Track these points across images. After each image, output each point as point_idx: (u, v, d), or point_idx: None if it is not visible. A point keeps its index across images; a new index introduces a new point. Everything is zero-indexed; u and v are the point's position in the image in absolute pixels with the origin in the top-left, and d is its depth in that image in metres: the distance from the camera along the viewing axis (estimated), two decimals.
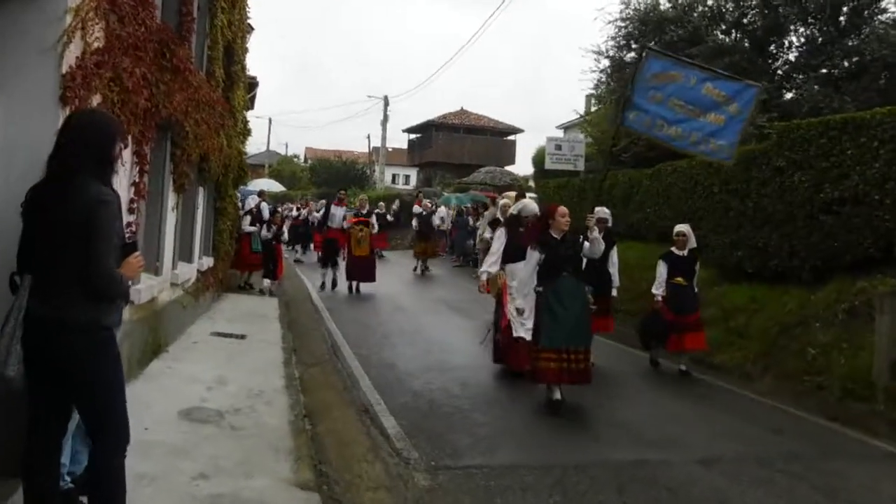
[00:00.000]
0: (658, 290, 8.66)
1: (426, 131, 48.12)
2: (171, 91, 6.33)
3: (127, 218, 5.40)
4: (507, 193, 22.77)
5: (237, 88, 11.20)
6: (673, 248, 8.88)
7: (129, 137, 5.26)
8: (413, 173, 55.36)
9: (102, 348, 3.06)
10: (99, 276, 2.96)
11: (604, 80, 16.69)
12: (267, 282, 13.32)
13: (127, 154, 5.31)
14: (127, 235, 3.48)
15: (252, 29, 12.66)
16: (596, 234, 7.01)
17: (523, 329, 7.19)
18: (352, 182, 47.46)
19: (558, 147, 18.29)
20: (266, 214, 18.58)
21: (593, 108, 23.18)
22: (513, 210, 8.15)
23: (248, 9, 12.02)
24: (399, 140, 53.49)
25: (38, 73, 3.89)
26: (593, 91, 21.28)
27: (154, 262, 7.07)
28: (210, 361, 7.52)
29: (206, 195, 10.02)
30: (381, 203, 24.01)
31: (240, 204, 13.72)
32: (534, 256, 6.98)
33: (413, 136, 50.87)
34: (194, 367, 7.13)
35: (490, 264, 7.70)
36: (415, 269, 18.96)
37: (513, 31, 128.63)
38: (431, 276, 18.42)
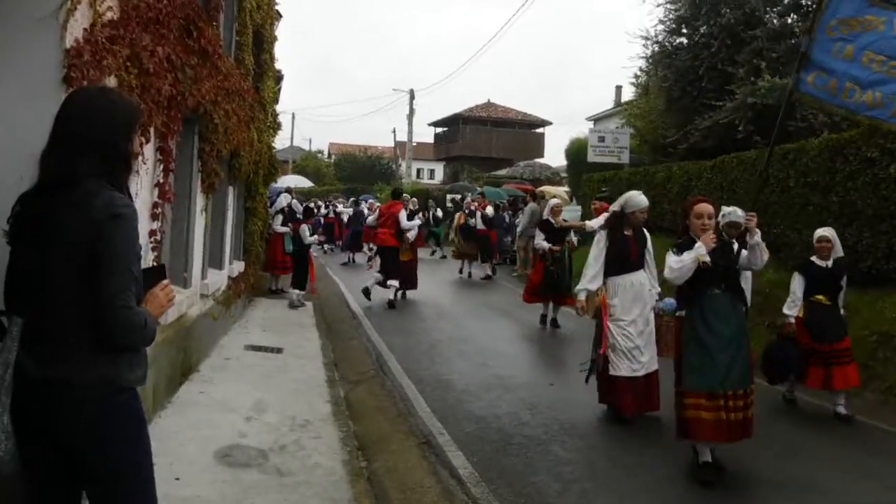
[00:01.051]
0: (792, 310, 6.86)
1: (453, 125, 47.24)
2: (198, 77, 5.50)
3: (150, 226, 4.57)
4: (545, 189, 21.91)
5: (267, 79, 10.39)
6: (813, 258, 7.04)
7: (151, 129, 4.42)
8: (439, 168, 54.48)
9: (124, 419, 2.23)
10: (115, 317, 2.12)
11: (650, 67, 15.63)
12: (296, 293, 11.73)
13: (149, 150, 4.48)
14: (151, 255, 2.61)
15: (280, 16, 11.83)
16: (758, 238, 5.06)
17: (625, 365, 6.04)
18: (377, 177, 46.75)
19: (601, 139, 17.31)
20: (299, 211, 18.02)
21: (632, 98, 22.09)
22: (615, 206, 6.56)
23: None
24: (425, 135, 52.61)
25: (35, 48, 3.05)
26: (635, 80, 20.28)
27: (182, 272, 6.26)
28: (246, 382, 6.71)
29: (236, 195, 9.21)
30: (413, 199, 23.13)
31: (268, 202, 12.95)
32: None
33: (439, 129, 50.02)
34: (229, 391, 6.32)
35: (589, 279, 6.30)
36: (460, 271, 17.07)
37: (538, 25, 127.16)
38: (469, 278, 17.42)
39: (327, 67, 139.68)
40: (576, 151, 24.66)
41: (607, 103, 42.40)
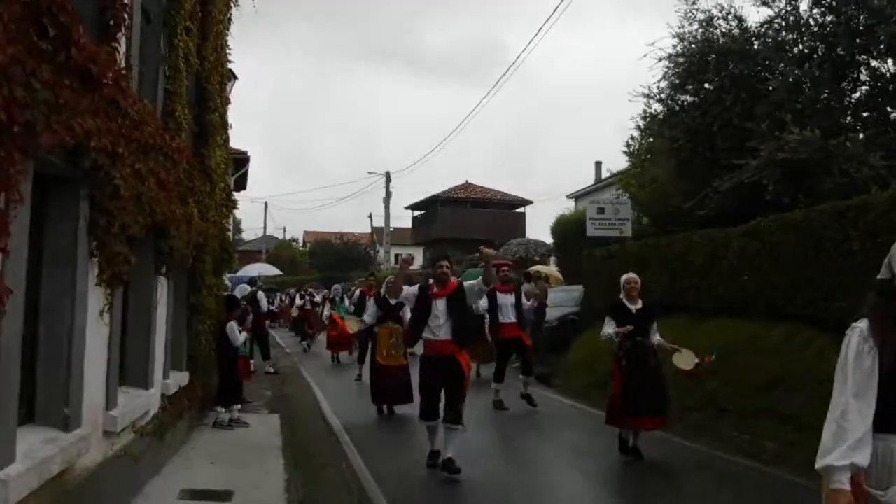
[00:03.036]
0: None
1: (430, 207, 45.84)
2: (75, 106, 3.56)
3: None
4: (538, 269, 20.06)
5: (214, 145, 8.49)
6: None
7: None
8: (418, 252, 52.70)
9: None
10: None
11: (655, 128, 14.05)
12: (221, 410, 8.98)
13: None
14: None
15: (235, 77, 10.07)
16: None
17: None
18: (354, 264, 44.92)
19: (601, 210, 15.53)
20: (264, 306, 15.67)
21: (627, 167, 20.62)
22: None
23: (228, 49, 9.47)
24: (402, 219, 51.12)
25: None
26: (627, 148, 18.85)
27: (62, 407, 4.14)
28: None
29: (172, 288, 7.14)
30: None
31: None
32: None
33: (417, 213, 48.58)
34: None
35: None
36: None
37: (512, 104, 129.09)
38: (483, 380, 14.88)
39: (299, 156, 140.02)
40: (561, 228, 23.11)
41: (588, 180, 41.53)
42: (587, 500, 6.59)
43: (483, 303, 10.61)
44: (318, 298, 19.20)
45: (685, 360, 7.60)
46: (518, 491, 6.52)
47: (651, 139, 14.88)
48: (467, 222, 43.67)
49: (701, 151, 12.22)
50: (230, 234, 10.63)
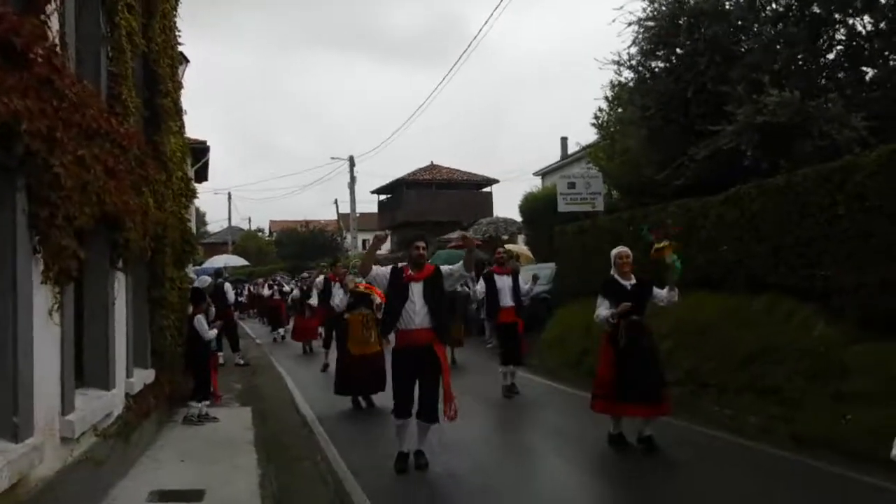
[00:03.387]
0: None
1: (396, 190, 45.42)
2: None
3: None
4: (509, 248, 19.84)
5: (168, 131, 8.09)
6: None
7: None
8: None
9: None
10: None
11: (626, 97, 13.80)
12: (196, 406, 8.69)
13: None
14: None
15: (186, 60, 9.63)
16: None
17: None
18: (321, 251, 44.40)
19: (571, 185, 15.41)
20: (231, 297, 15.25)
21: (596, 140, 20.45)
22: None
23: (178, 31, 9.02)
24: (368, 203, 50.59)
25: None
26: (596, 121, 18.65)
27: (10, 416, 3.81)
28: None
29: (131, 283, 6.78)
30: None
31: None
32: None
33: (383, 197, 48.08)
34: None
35: None
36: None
37: (474, 84, 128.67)
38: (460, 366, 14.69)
39: (261, 145, 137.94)
40: (529, 206, 22.95)
41: (554, 156, 41.39)
42: (571, 483, 6.37)
43: (480, 287, 10.40)
44: (286, 288, 18.71)
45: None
46: (498, 477, 6.31)
47: (620, 109, 14.66)
48: (433, 204, 43.28)
49: (674, 119, 12.01)
50: (192, 225, 10.24)
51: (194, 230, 10.03)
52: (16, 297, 3.79)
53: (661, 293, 6.90)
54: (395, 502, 5.84)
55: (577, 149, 36.20)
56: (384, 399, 8.86)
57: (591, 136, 20.57)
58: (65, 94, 4.20)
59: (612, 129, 17.82)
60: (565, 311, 13.81)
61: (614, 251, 7.13)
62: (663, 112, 12.27)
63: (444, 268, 6.53)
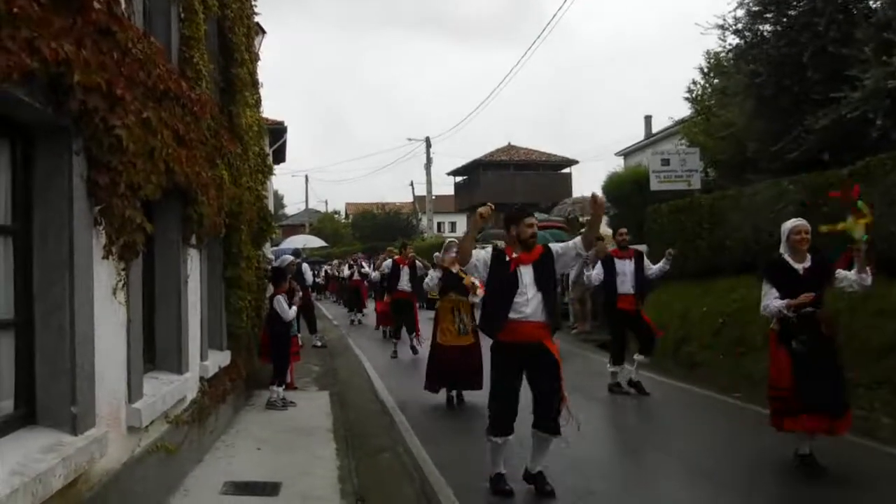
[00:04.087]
0: None
1: (473, 172, 44.78)
2: (40, 22, 2.77)
3: None
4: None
5: (243, 103, 7.70)
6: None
7: None
8: (461, 219, 51.67)
9: None
10: None
11: (724, 64, 12.76)
12: (275, 390, 8.39)
13: None
14: None
15: (263, 31, 9.25)
16: None
17: None
18: (397, 234, 44.28)
19: (665, 162, 14.45)
20: (309, 278, 14.94)
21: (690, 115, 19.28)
22: None
23: (254, 1, 8.62)
24: (444, 186, 50.26)
25: None
26: (689, 94, 17.54)
27: (66, 406, 3.42)
28: None
29: (205, 261, 6.43)
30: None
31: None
32: None
33: (459, 179, 47.55)
34: None
35: None
36: None
37: (552, 63, 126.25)
38: None
39: (338, 127, 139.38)
40: (615, 186, 21.99)
41: (636, 136, 39.90)
42: None
43: (597, 271, 9.05)
44: (366, 269, 18.13)
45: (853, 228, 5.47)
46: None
47: (717, 80, 13.58)
48: (511, 186, 42.50)
49: (787, 86, 10.93)
50: (268, 203, 9.90)
51: (271, 210, 9.69)
52: (73, 274, 3.38)
53: (848, 275, 5.56)
54: (486, 501, 5.28)
55: (670, 123, 34.81)
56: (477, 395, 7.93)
57: (677, 111, 19.46)
58: (128, 49, 3.77)
59: (708, 102, 16.72)
60: (660, 296, 12.92)
61: (788, 224, 5.69)
62: (775, 79, 11.20)
63: (556, 246, 5.36)
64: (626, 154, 37.92)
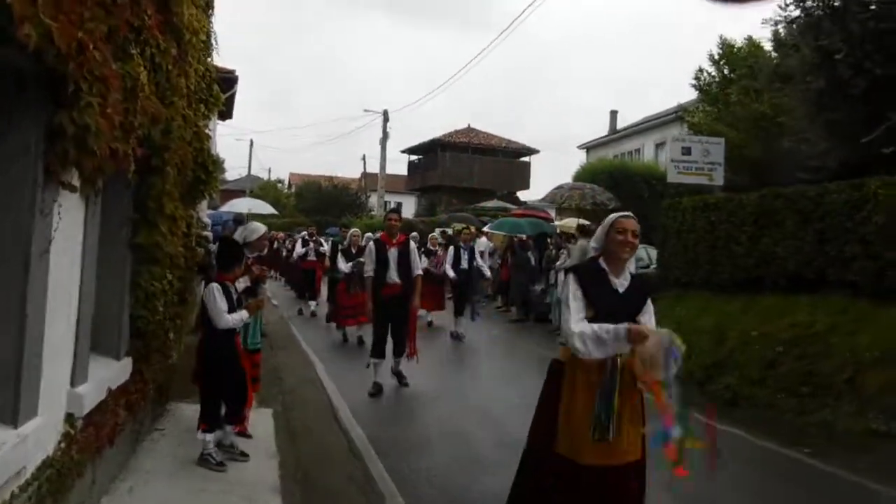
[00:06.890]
0: None
1: (430, 152, 42.28)
2: None
3: None
4: (568, 222, 16.80)
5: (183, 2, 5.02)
6: None
7: None
8: (408, 200, 48.59)
9: None
10: None
11: (788, 42, 10.62)
12: (211, 438, 5.23)
13: None
14: None
15: None
16: None
17: None
18: (344, 209, 41.54)
19: (686, 151, 12.26)
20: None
21: (694, 102, 17.28)
22: None
23: None
24: (395, 163, 47.53)
25: None
26: (696, 82, 15.48)
27: None
28: None
29: (96, 217, 3.79)
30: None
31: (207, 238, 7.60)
32: None
33: (414, 157, 44.94)
34: None
35: None
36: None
37: (518, 49, 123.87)
38: (477, 343, 12.02)
39: (287, 97, 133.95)
40: (589, 179, 20.19)
41: (601, 130, 38.20)
42: None
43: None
44: (324, 248, 14.71)
45: None
46: None
47: (731, 72, 11.38)
48: (469, 169, 40.32)
49: (868, 69, 8.81)
50: (212, 147, 7.22)
51: (214, 157, 7.01)
52: None
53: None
54: None
55: (637, 120, 33.08)
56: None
57: (646, 108, 17.79)
58: None
59: (723, 91, 14.78)
60: (674, 308, 10.69)
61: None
62: (850, 59, 9.07)
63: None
64: (590, 148, 36.47)
